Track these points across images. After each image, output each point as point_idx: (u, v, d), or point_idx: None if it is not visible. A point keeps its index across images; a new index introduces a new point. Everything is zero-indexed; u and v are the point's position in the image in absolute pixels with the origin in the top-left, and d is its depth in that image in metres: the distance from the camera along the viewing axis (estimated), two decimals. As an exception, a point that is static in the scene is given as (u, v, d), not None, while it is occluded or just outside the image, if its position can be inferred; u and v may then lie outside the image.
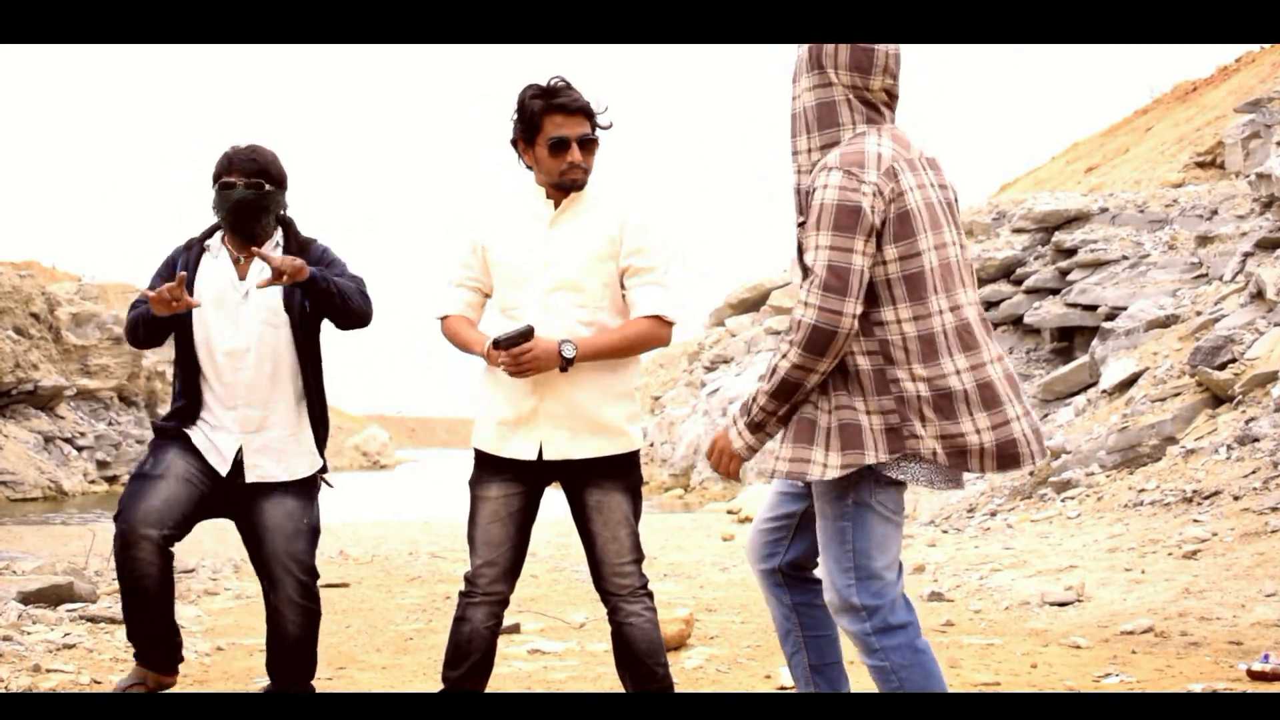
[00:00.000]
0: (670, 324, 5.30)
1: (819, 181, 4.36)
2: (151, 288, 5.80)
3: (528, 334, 5.07)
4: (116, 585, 10.55)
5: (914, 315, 4.41)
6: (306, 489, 6.05)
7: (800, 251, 4.44)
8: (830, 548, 4.51)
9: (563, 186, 5.28)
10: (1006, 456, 4.42)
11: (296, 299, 5.89)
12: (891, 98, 4.58)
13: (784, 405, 4.46)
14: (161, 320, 5.86)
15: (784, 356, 4.42)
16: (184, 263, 5.96)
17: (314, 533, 6.02)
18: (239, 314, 5.91)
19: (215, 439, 5.93)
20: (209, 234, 6.08)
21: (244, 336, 5.89)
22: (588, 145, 5.26)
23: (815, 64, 4.53)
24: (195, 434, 5.95)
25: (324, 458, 6.18)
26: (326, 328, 6.04)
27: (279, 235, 6.06)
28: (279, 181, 5.97)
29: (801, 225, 4.45)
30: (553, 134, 5.23)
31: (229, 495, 5.95)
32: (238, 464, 5.93)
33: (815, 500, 4.56)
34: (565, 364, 5.12)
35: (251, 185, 5.86)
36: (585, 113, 5.25)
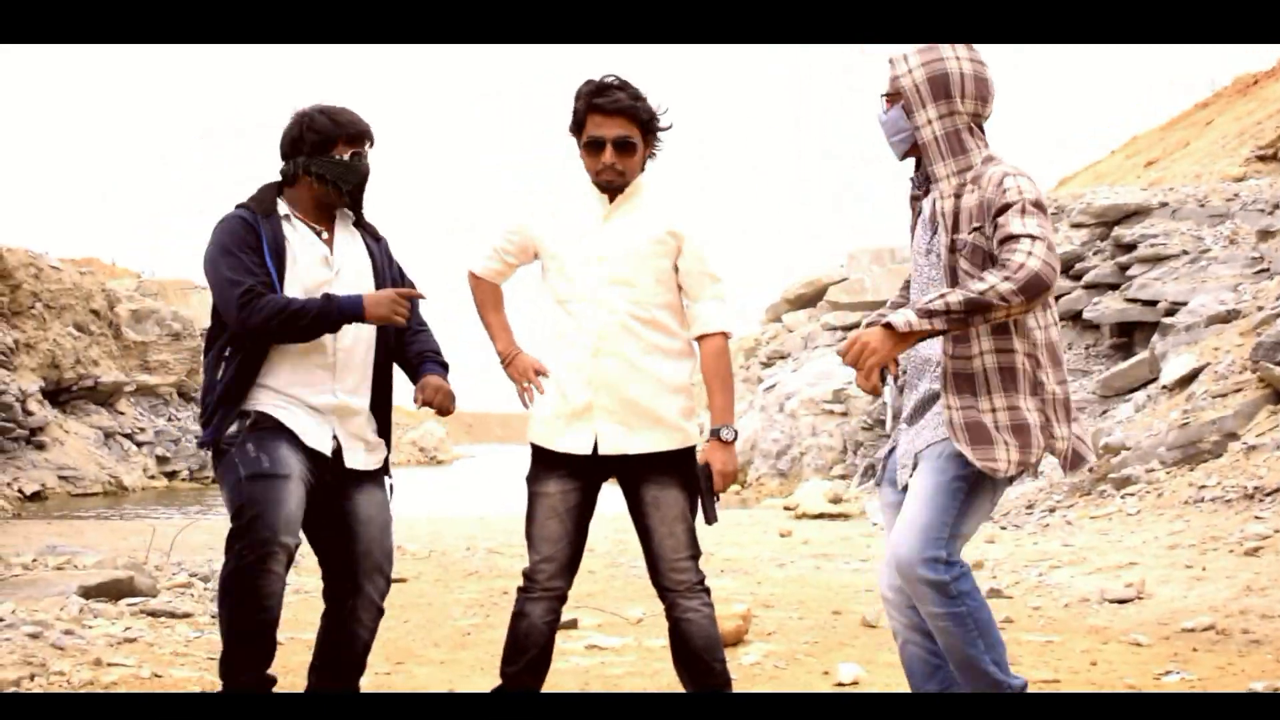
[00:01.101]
0: (730, 336, 5.43)
1: (1008, 184, 4.55)
2: (226, 254, 5.30)
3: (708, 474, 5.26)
4: (177, 580, 10.66)
5: (1051, 322, 4.74)
6: (382, 482, 5.79)
7: (953, 269, 4.68)
8: (935, 501, 4.65)
9: (599, 186, 5.30)
10: (1078, 460, 4.81)
11: (387, 280, 5.64)
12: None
13: (963, 317, 4.40)
14: (331, 324, 5.33)
15: (997, 283, 4.38)
16: (271, 235, 5.39)
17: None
18: (333, 291, 5.42)
19: (313, 423, 5.44)
20: (272, 199, 5.52)
21: None
22: (625, 148, 5.22)
23: (942, 93, 4.69)
24: (291, 418, 5.39)
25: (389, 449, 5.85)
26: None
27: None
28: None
29: (952, 245, 4.68)
30: (591, 133, 5.24)
31: (319, 489, 5.44)
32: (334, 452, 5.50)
33: (931, 461, 4.73)
34: (734, 440, 5.32)
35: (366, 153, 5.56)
36: (628, 115, 5.21)
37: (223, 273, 5.31)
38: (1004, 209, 4.52)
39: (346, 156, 5.45)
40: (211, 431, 5.38)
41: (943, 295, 4.42)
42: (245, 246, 5.34)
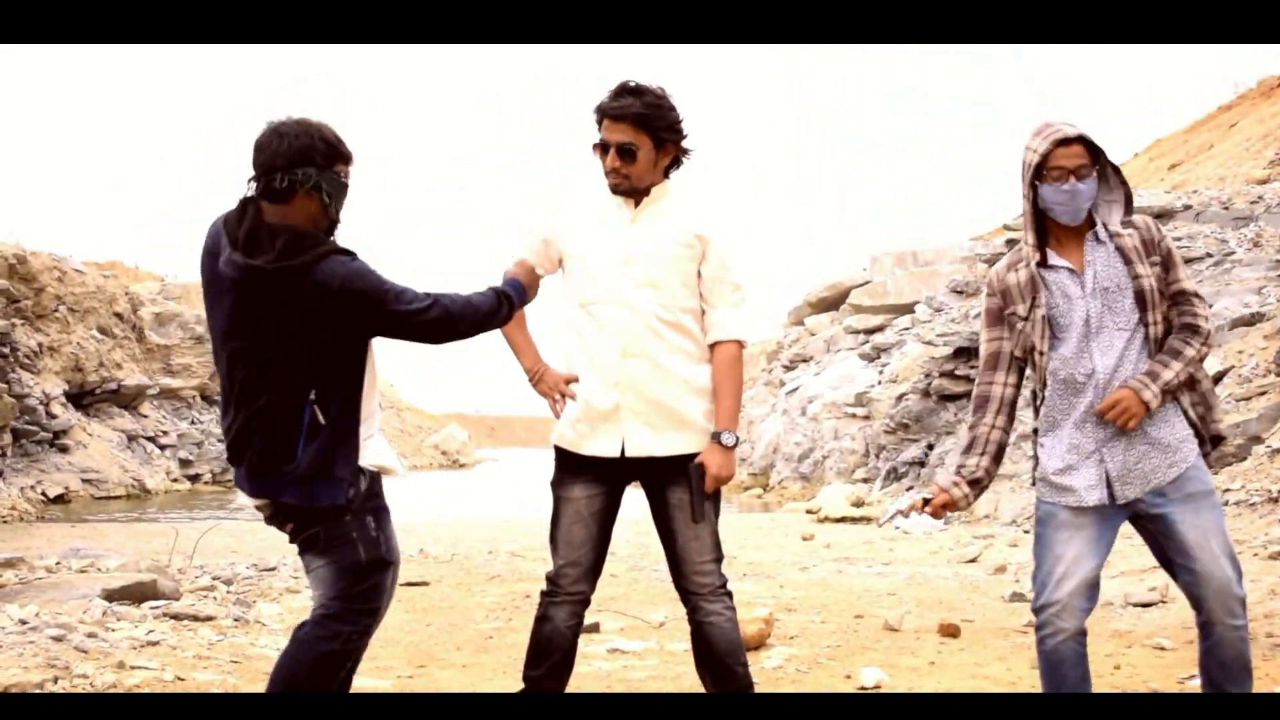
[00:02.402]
0: (745, 345, 5.43)
1: (1168, 242, 5.26)
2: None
3: (700, 473, 5.26)
4: (200, 584, 10.68)
5: None
6: None
7: (1158, 289, 5.19)
8: (1223, 537, 5.10)
9: (611, 190, 5.31)
10: None
11: None
12: None
13: (1184, 380, 5.15)
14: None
15: (1200, 347, 5.16)
16: None
17: None
18: None
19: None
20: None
21: None
22: (626, 154, 5.24)
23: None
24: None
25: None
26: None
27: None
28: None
29: (1165, 271, 5.25)
30: (601, 137, 5.28)
31: None
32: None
33: (1195, 493, 5.09)
34: (735, 446, 5.32)
35: None
36: (633, 121, 5.23)
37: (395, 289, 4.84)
38: (1172, 265, 5.25)
39: (346, 179, 5.03)
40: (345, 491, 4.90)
41: (1164, 370, 5.08)
42: None
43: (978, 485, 5.26)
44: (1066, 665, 5.05)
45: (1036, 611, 5.09)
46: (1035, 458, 5.30)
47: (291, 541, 5.00)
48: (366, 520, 4.92)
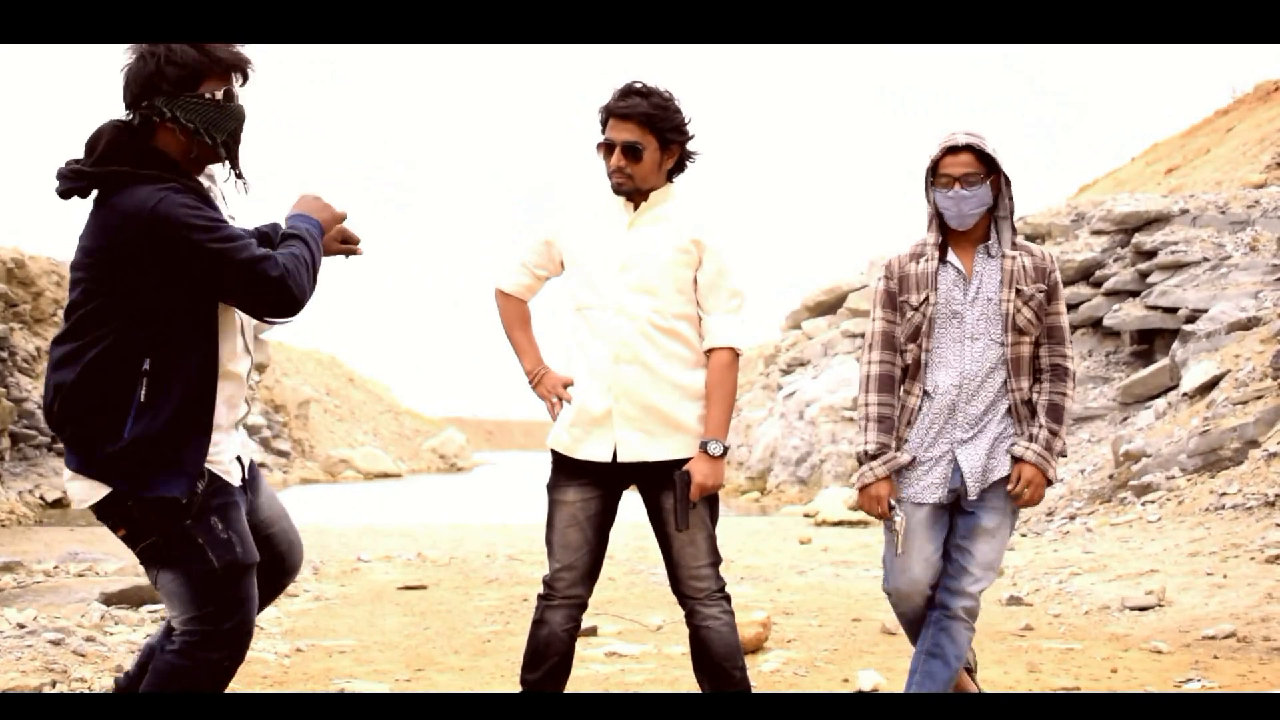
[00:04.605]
0: (740, 353, 5.41)
1: (1058, 275, 5.66)
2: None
3: (685, 481, 5.22)
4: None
5: None
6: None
7: (1031, 317, 5.55)
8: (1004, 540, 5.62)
9: (614, 191, 5.31)
10: None
11: None
12: None
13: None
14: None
15: (1071, 392, 5.62)
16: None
17: None
18: None
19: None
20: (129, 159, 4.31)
21: None
22: (632, 153, 5.24)
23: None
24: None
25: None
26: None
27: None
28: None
29: (1047, 302, 5.61)
30: (605, 136, 5.28)
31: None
32: None
33: (1000, 507, 5.55)
34: (723, 455, 5.28)
35: None
36: (639, 120, 5.23)
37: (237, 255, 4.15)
38: (1056, 289, 5.60)
39: (219, 95, 4.34)
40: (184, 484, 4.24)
41: (1052, 441, 5.52)
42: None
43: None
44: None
45: (889, 593, 5.70)
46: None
47: (132, 548, 4.35)
48: (211, 521, 4.28)
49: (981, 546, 5.50)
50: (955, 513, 5.58)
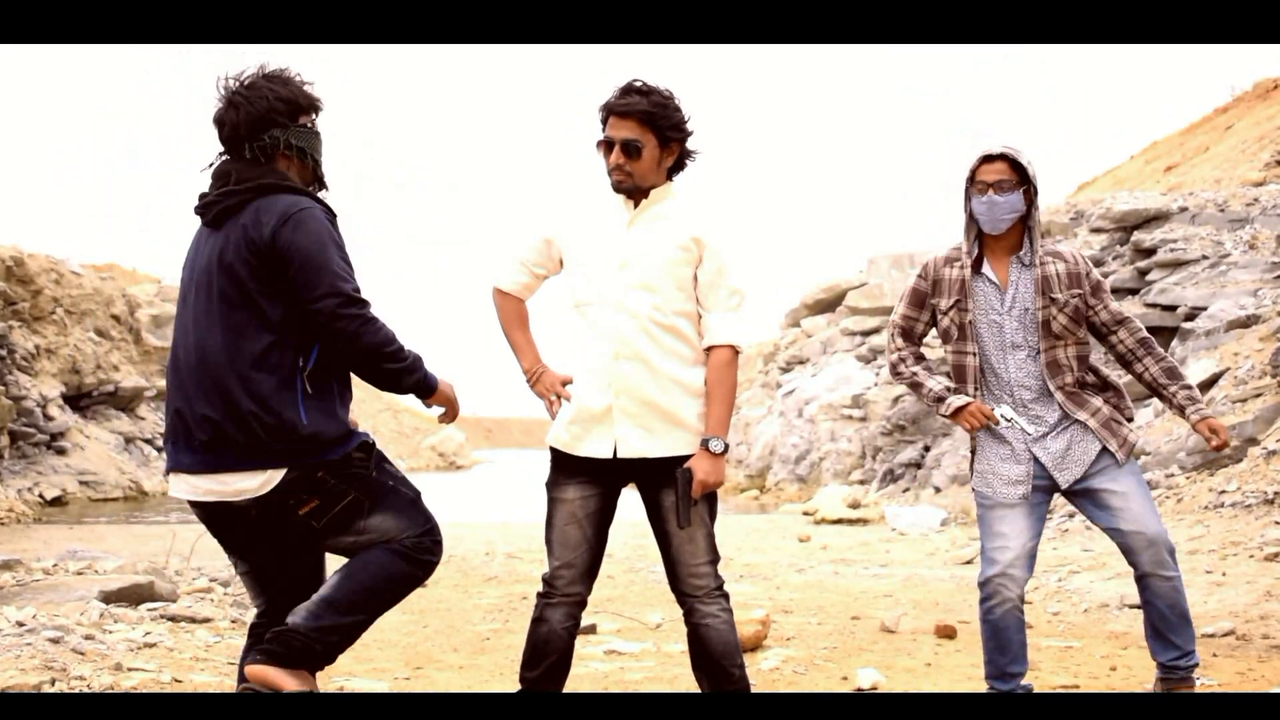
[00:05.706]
0: (740, 351, 5.41)
1: (1095, 274, 5.96)
2: (338, 248, 4.70)
3: (687, 479, 5.21)
4: (197, 585, 10.68)
5: None
6: None
7: (1073, 318, 5.91)
8: (1150, 501, 5.91)
9: (614, 189, 5.31)
10: None
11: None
12: None
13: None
14: (410, 387, 4.90)
15: (1169, 356, 5.81)
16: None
17: None
18: None
19: None
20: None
21: None
22: (631, 151, 5.24)
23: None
24: None
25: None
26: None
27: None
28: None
29: (1093, 297, 5.96)
30: (605, 134, 5.29)
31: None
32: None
33: (1125, 470, 5.98)
34: (724, 453, 5.29)
35: None
36: (639, 118, 5.23)
37: (338, 264, 4.65)
38: (1099, 286, 5.93)
39: (314, 124, 4.92)
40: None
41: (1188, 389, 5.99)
42: (344, 253, 4.76)
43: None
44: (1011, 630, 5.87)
45: (982, 584, 5.88)
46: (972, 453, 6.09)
47: (315, 522, 4.75)
48: (386, 467, 4.95)
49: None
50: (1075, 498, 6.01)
